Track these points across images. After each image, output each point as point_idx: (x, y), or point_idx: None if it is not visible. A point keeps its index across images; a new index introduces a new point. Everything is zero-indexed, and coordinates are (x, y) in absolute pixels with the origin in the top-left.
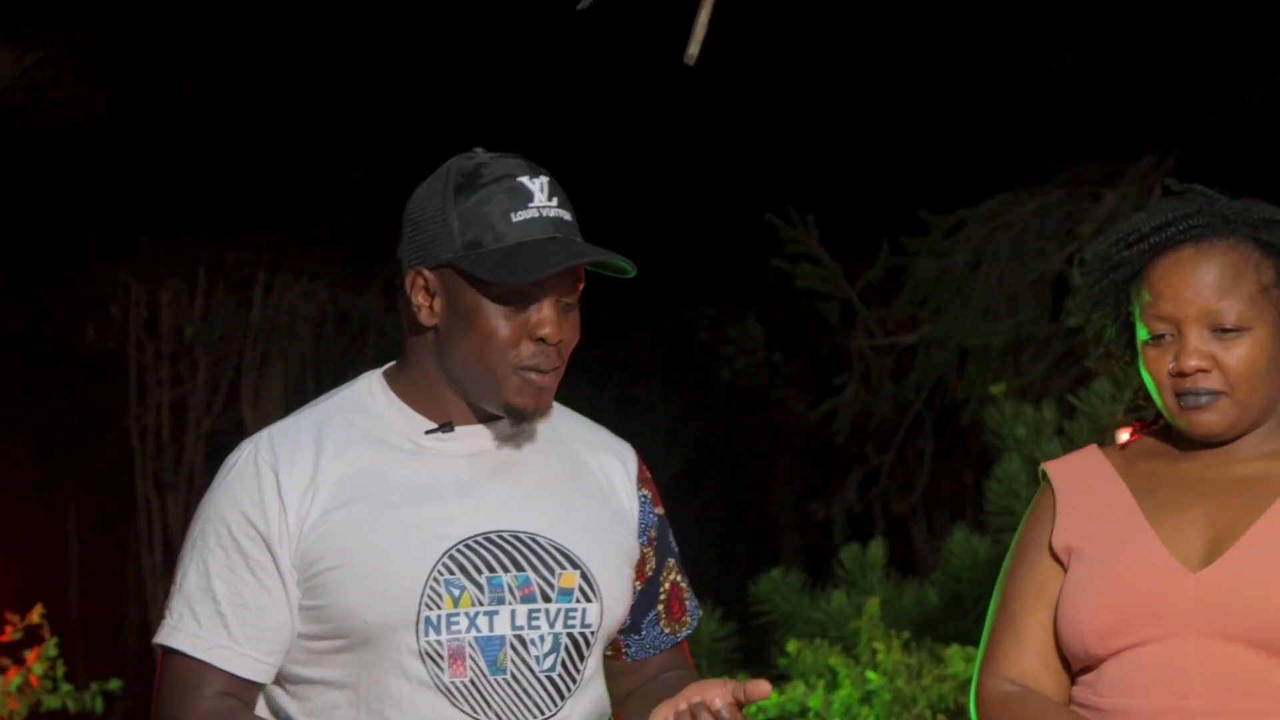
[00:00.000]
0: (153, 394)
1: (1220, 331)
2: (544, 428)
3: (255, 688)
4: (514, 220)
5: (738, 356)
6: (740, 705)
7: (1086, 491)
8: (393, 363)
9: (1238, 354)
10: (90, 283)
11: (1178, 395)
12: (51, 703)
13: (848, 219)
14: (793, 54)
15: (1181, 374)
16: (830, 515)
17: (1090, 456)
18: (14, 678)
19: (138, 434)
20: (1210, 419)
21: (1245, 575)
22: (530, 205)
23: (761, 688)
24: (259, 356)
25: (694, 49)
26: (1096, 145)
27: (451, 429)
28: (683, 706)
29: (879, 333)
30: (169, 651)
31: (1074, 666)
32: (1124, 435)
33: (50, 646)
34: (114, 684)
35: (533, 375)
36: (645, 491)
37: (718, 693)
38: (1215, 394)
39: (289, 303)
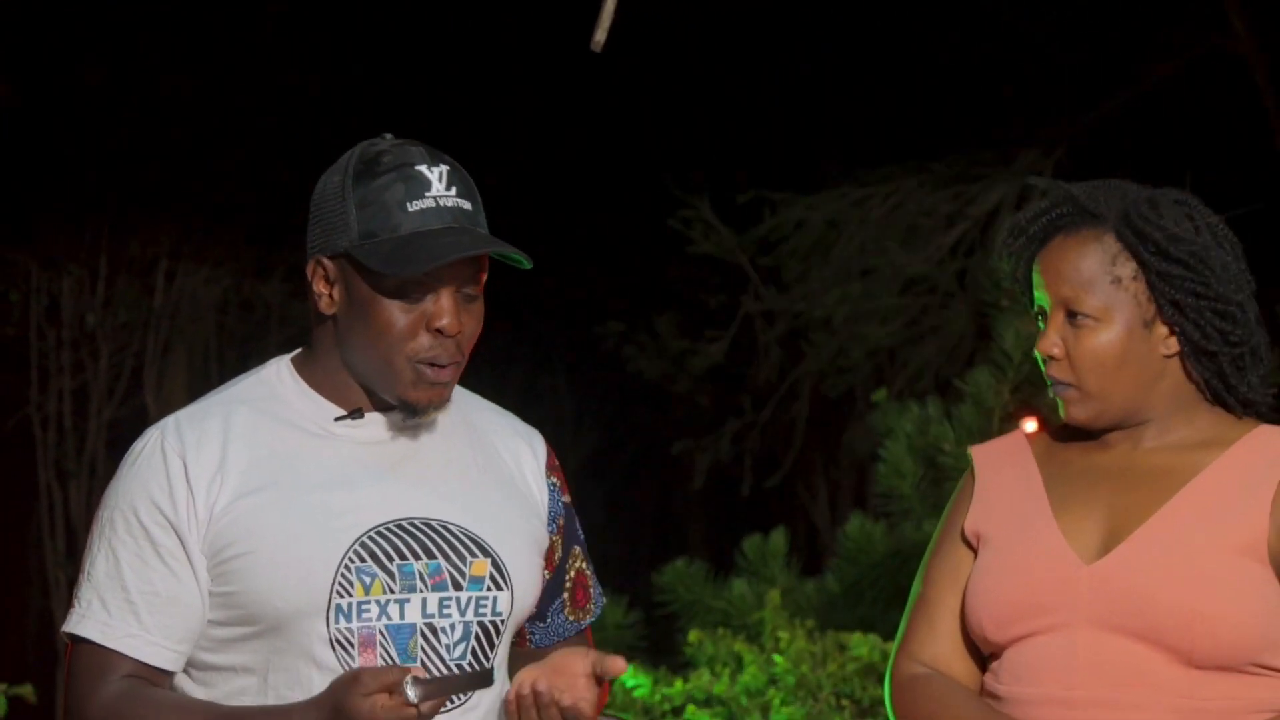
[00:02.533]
0: (54, 381)
1: (1073, 316)
2: (454, 415)
3: (166, 676)
4: (409, 210)
5: (643, 354)
6: (599, 679)
7: (1003, 477)
8: (300, 349)
9: (1086, 344)
10: None
11: (1050, 381)
12: None
13: (742, 190)
14: (693, 34)
15: (1043, 359)
16: (693, 458)
17: (1015, 441)
18: None
19: (39, 422)
20: (1069, 408)
21: (1135, 569)
22: (427, 195)
23: (617, 664)
24: (161, 344)
25: (600, 36)
26: (985, 133)
27: (361, 416)
28: (542, 686)
29: (767, 298)
30: (78, 640)
31: (983, 652)
32: (1030, 425)
33: None
34: (25, 689)
35: (428, 370)
36: (554, 479)
37: (579, 662)
38: (1066, 384)
39: (191, 290)
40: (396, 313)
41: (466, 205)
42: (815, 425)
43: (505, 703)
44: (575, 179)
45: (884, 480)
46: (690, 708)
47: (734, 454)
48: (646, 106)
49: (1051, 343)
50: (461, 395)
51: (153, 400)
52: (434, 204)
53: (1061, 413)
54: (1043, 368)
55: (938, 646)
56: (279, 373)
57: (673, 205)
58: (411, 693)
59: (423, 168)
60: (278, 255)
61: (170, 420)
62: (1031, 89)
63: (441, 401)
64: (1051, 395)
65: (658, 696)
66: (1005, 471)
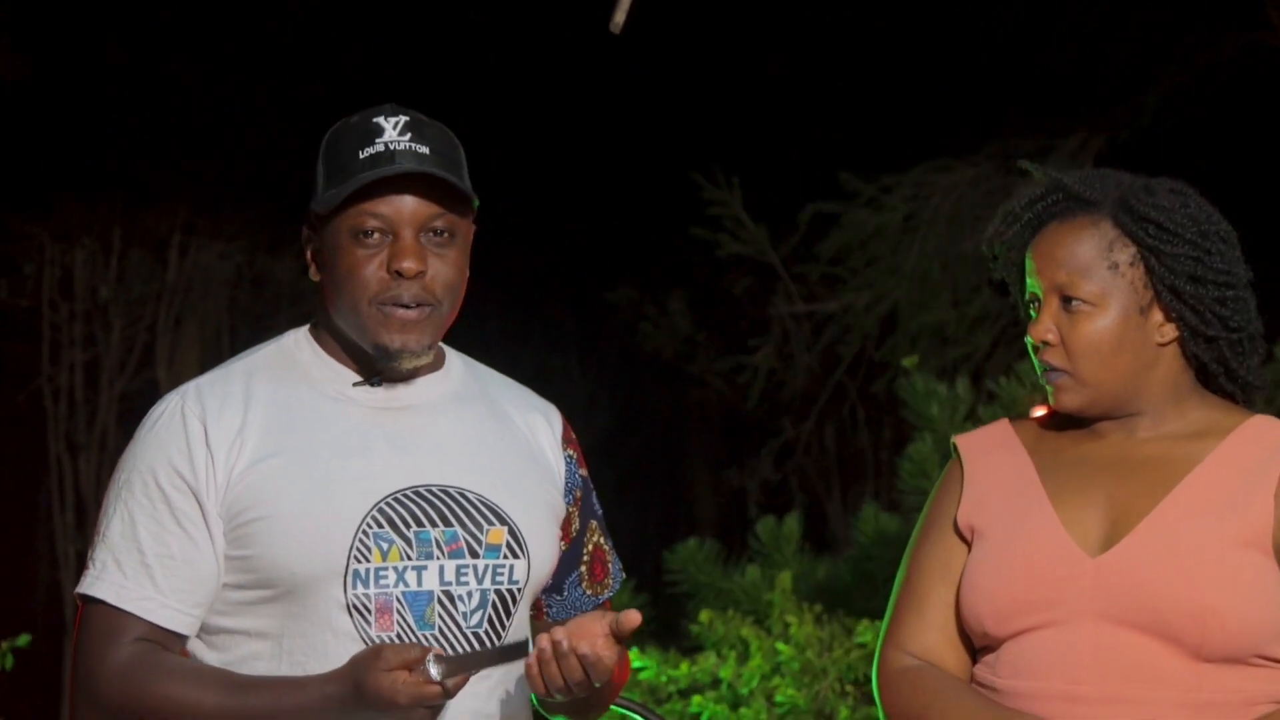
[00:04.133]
0: (66, 354)
1: (1068, 302)
2: (472, 386)
3: (179, 640)
4: (360, 157)
5: (657, 331)
6: (618, 638)
7: (993, 467)
8: (316, 319)
9: (1080, 330)
10: (4, 241)
11: (1042, 368)
12: None
13: (773, 187)
14: (723, 23)
15: (1036, 345)
16: (745, 485)
17: (1001, 431)
18: None
19: (50, 394)
20: (1060, 395)
21: (1141, 562)
22: (378, 140)
23: (632, 616)
24: (174, 318)
25: (620, 18)
26: (1026, 121)
27: (379, 382)
28: (560, 636)
29: (800, 300)
30: (91, 601)
31: (976, 645)
32: (1039, 411)
33: None
34: (23, 640)
35: (393, 310)
36: (570, 451)
37: (597, 623)
38: (1059, 370)
39: (204, 265)
40: (357, 257)
41: (422, 149)
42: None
43: (526, 666)
44: (591, 157)
45: (909, 479)
46: (696, 698)
47: (780, 476)
48: (670, 91)
49: (1045, 329)
50: (479, 369)
51: (164, 374)
52: (384, 148)
53: (1051, 400)
54: (1033, 355)
55: (928, 638)
56: (297, 341)
57: (693, 185)
58: (434, 670)
59: (379, 119)
60: (290, 232)
61: (190, 385)
62: (1071, 80)
63: (419, 346)
64: (1042, 382)
65: (664, 678)
66: (994, 461)
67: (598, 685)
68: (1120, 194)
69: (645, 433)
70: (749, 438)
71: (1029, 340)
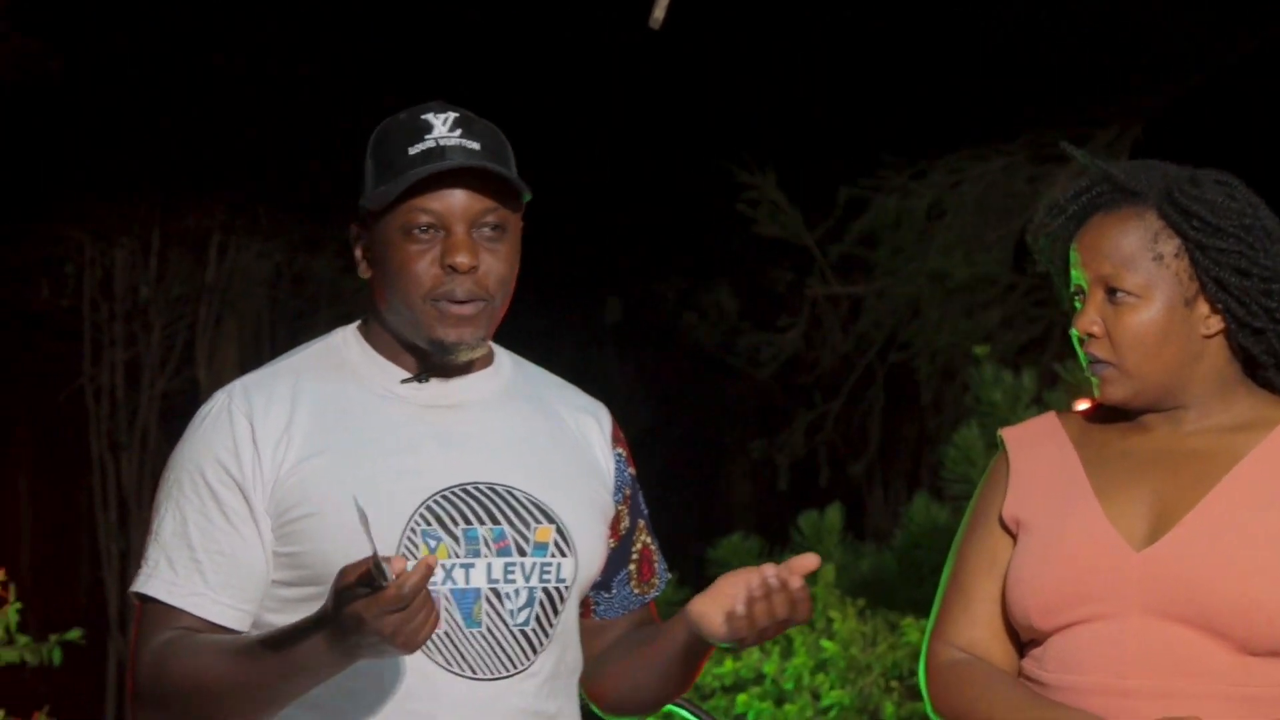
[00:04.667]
0: (107, 354)
1: (1113, 294)
2: (520, 384)
3: (231, 635)
4: (410, 153)
5: (698, 320)
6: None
7: (1038, 460)
8: (364, 318)
9: (1126, 321)
10: (45, 241)
11: (1087, 360)
12: (8, 656)
13: (809, 173)
14: (760, 15)
15: (1081, 337)
16: (773, 458)
17: (1047, 423)
18: None
19: (92, 393)
20: (1106, 387)
21: (1187, 555)
22: (428, 137)
23: (810, 559)
24: (213, 317)
25: (659, 14)
26: (1062, 110)
27: (427, 379)
28: (770, 572)
29: (835, 282)
30: (145, 599)
31: (1022, 639)
32: (1082, 404)
33: (11, 612)
34: (74, 634)
35: (449, 305)
36: (620, 450)
37: (758, 575)
38: (1104, 363)
39: (243, 264)
40: (410, 253)
41: (473, 145)
42: (879, 409)
43: (730, 608)
44: (628, 149)
45: (954, 467)
46: (741, 696)
47: (809, 449)
48: (705, 80)
49: (1090, 320)
50: (527, 367)
51: (204, 373)
52: (434, 144)
53: (1096, 392)
54: (1078, 347)
55: (975, 632)
56: (345, 338)
57: (730, 175)
58: (388, 571)
59: (429, 116)
60: (329, 230)
61: (238, 384)
62: (1107, 69)
63: (474, 339)
64: (1087, 374)
65: (709, 676)
66: (1040, 454)
67: (794, 625)
68: (1165, 185)
69: (684, 426)
70: (787, 419)
71: (1074, 333)
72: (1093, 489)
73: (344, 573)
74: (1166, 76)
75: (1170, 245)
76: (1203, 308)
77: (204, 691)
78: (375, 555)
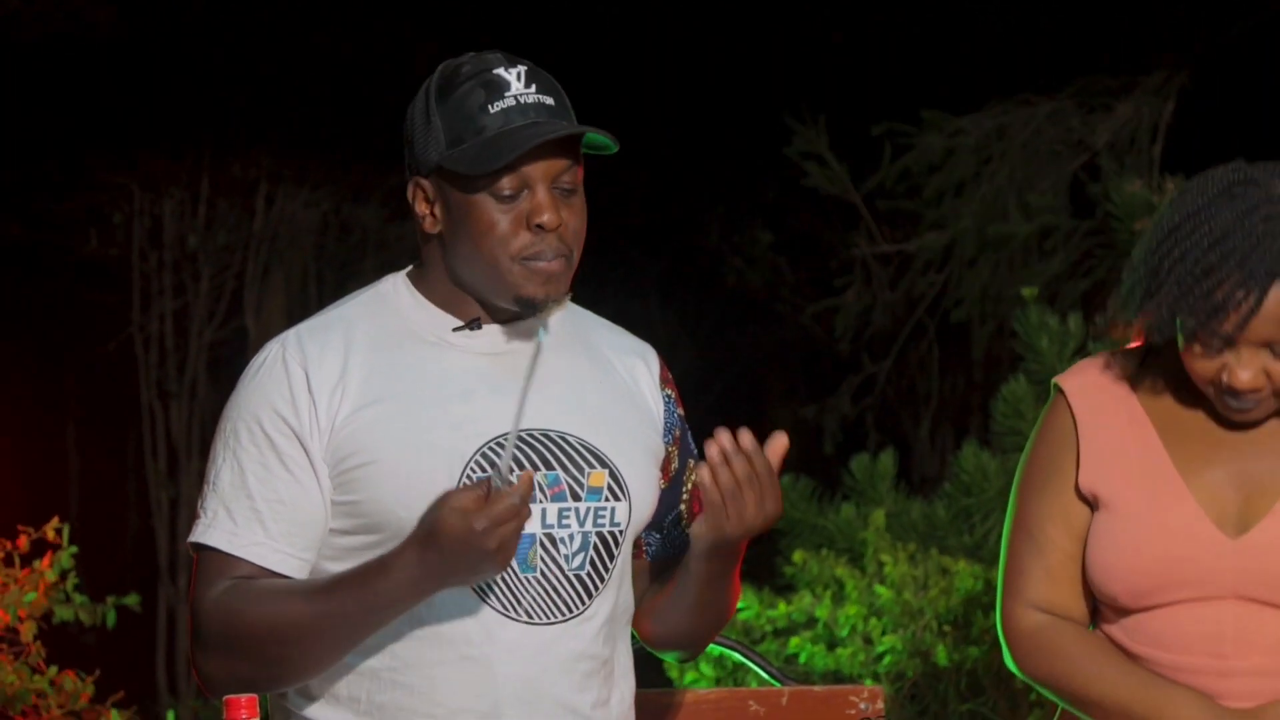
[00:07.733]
0: (156, 303)
1: (1272, 347)
2: (570, 329)
3: None
4: (492, 111)
5: (744, 264)
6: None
7: (1110, 430)
8: (413, 266)
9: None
10: (93, 191)
11: (1221, 392)
12: (64, 614)
13: (856, 127)
14: None
15: (1233, 389)
16: (822, 423)
17: (1107, 376)
18: (27, 590)
19: (141, 342)
20: (1251, 414)
21: None
22: (507, 94)
23: (780, 440)
24: (261, 267)
25: None
26: (1109, 56)
27: (479, 326)
28: (711, 451)
29: (883, 240)
30: (204, 549)
31: (1100, 603)
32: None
33: (65, 557)
34: (131, 599)
35: (537, 264)
36: (669, 391)
37: (713, 444)
38: (1254, 403)
39: (291, 213)
40: (496, 214)
41: (549, 101)
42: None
43: (699, 475)
44: (673, 96)
45: (1003, 420)
46: (794, 640)
47: (858, 412)
48: (751, 27)
49: (1256, 374)
50: (576, 311)
51: (252, 322)
52: (515, 102)
53: (1231, 416)
54: (1213, 389)
55: (1057, 593)
56: (395, 287)
57: (775, 122)
58: (498, 482)
59: (500, 70)
60: (376, 179)
61: (290, 333)
62: (1153, 14)
63: (560, 295)
64: (1221, 405)
65: (762, 619)
66: (1110, 422)
67: (763, 524)
68: None
69: (728, 374)
70: (829, 377)
71: (1214, 380)
72: (1176, 469)
73: (447, 495)
74: (1213, 21)
75: None
76: None
77: (278, 633)
78: (498, 471)
